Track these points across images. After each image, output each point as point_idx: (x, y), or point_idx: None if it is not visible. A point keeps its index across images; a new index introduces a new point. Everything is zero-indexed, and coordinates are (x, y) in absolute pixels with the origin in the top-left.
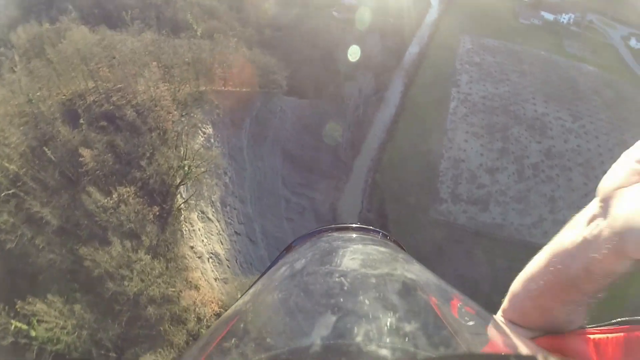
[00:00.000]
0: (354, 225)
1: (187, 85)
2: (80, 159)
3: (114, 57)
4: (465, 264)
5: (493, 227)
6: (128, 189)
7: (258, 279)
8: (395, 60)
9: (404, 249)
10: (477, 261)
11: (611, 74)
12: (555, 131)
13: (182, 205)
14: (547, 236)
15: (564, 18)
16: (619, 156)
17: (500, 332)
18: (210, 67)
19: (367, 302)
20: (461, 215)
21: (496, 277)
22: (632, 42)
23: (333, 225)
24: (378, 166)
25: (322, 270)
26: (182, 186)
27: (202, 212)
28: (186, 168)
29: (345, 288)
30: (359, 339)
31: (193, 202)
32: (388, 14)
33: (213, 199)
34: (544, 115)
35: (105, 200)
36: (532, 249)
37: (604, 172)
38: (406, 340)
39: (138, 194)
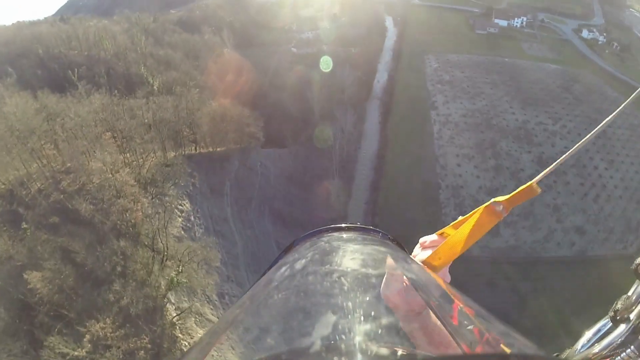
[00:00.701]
0: (354, 225)
1: (152, 156)
2: (29, 286)
3: (59, 131)
4: (489, 295)
5: (508, 251)
6: (102, 323)
7: (258, 279)
8: (367, 91)
9: (404, 249)
10: (501, 290)
11: (573, 68)
12: (540, 137)
13: (175, 318)
14: (561, 247)
15: (517, 22)
16: (600, 145)
17: (500, 331)
18: (177, 128)
19: (367, 302)
20: (473, 245)
21: (523, 301)
22: (584, 34)
23: (333, 225)
24: (374, 208)
25: (322, 270)
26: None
27: (199, 315)
28: (172, 276)
29: (346, 288)
30: (359, 338)
31: (185, 302)
32: (349, 44)
33: (208, 293)
34: (526, 122)
35: (75, 351)
36: (549, 264)
37: (595, 168)
38: (406, 340)
39: (117, 324)
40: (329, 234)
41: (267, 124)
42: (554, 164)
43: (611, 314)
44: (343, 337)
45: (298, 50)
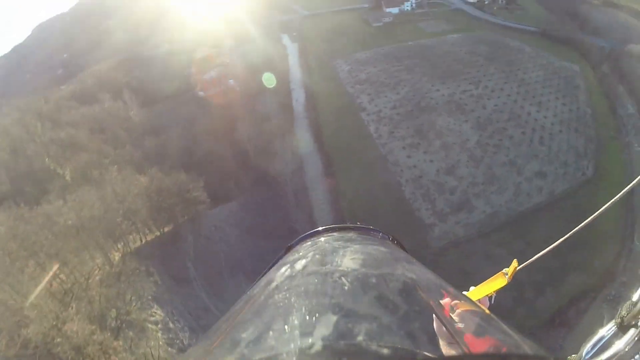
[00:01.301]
0: (354, 225)
1: (95, 272)
2: None
3: None
4: (492, 268)
5: (489, 220)
6: None
7: (259, 279)
8: (290, 114)
9: (404, 249)
10: (499, 258)
11: (472, 32)
12: (470, 104)
13: None
14: (531, 196)
15: (407, 6)
16: (524, 92)
17: (500, 332)
18: (111, 223)
19: (367, 302)
20: (457, 227)
21: (525, 259)
22: None
23: (333, 225)
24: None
25: (323, 270)
26: None
27: None
28: None
29: (346, 288)
30: (359, 338)
31: None
32: (256, 72)
33: None
34: (452, 95)
35: None
36: (529, 215)
37: (529, 114)
38: (406, 340)
39: None
40: (329, 234)
41: (206, 182)
42: (539, 255)
43: (617, 320)
44: (343, 337)
45: (206, 92)
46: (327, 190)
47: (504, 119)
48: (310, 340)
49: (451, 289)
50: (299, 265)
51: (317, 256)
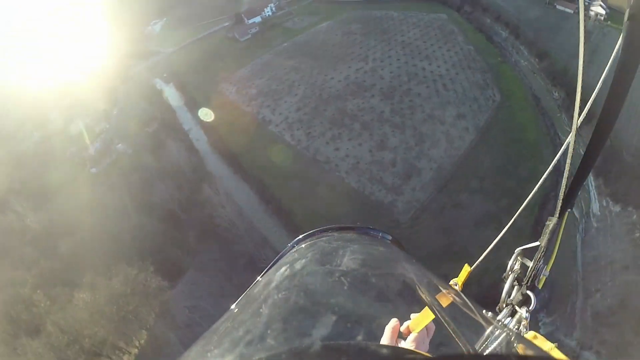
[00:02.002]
0: (354, 225)
1: None
2: None
3: None
4: (464, 213)
5: (438, 173)
6: None
7: (258, 279)
8: (197, 156)
9: (404, 249)
10: (466, 204)
11: (338, 16)
12: (367, 80)
13: None
14: (462, 138)
15: (267, 12)
16: (410, 52)
17: (499, 331)
18: None
19: (366, 301)
20: (415, 193)
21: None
22: None
23: (333, 226)
24: None
25: (322, 270)
26: None
27: None
28: None
29: (346, 288)
30: (359, 338)
31: None
32: (144, 126)
33: None
34: (347, 77)
35: None
36: (468, 154)
37: (424, 69)
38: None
39: None
40: (329, 234)
41: (152, 263)
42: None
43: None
44: (343, 337)
45: (98, 168)
46: (273, 216)
47: (404, 81)
48: (309, 340)
49: (451, 289)
50: (299, 265)
51: (316, 256)
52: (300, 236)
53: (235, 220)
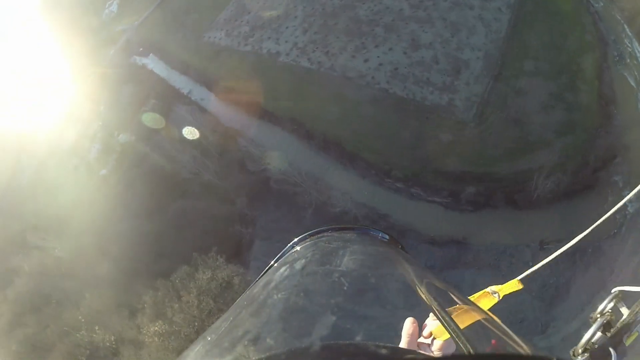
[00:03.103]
0: (354, 225)
1: None
2: None
3: None
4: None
5: (487, 60)
6: None
7: (258, 279)
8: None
9: (404, 249)
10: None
11: None
12: None
13: None
14: (498, 19)
15: None
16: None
17: (499, 331)
18: None
19: (366, 302)
20: (474, 85)
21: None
22: None
23: (333, 226)
24: None
25: (322, 270)
26: None
27: None
28: None
29: (345, 288)
30: (358, 338)
31: None
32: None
33: None
34: None
35: None
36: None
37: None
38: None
39: None
40: (329, 234)
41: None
42: (539, 264)
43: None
44: (342, 337)
45: (107, 168)
46: (321, 152)
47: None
48: (309, 340)
49: (450, 289)
50: (299, 265)
51: (316, 256)
52: (300, 236)
53: (282, 170)
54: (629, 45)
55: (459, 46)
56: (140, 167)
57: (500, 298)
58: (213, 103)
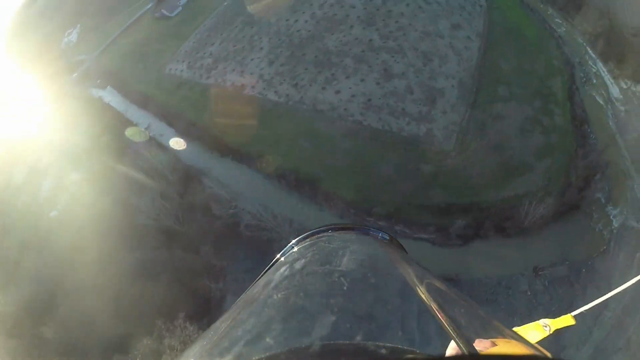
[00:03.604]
0: (354, 225)
1: None
2: None
3: None
4: None
5: (465, 98)
6: None
7: (258, 279)
8: (187, 168)
9: (404, 249)
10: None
11: None
12: (339, 12)
13: None
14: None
15: None
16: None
17: (499, 332)
18: None
19: (366, 302)
20: (447, 115)
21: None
22: None
23: (333, 226)
24: None
25: (322, 270)
26: None
27: None
28: None
29: (345, 288)
30: (358, 338)
31: None
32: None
33: None
34: (312, 15)
35: None
36: None
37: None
38: (405, 340)
39: None
40: (329, 234)
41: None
42: (592, 303)
43: None
44: (342, 337)
45: (57, 209)
46: (293, 192)
47: (379, 4)
48: (308, 340)
49: (450, 290)
50: (298, 265)
51: (316, 256)
52: (300, 236)
53: (249, 211)
54: (594, 66)
55: (432, 75)
56: (93, 210)
57: (551, 332)
58: (172, 138)
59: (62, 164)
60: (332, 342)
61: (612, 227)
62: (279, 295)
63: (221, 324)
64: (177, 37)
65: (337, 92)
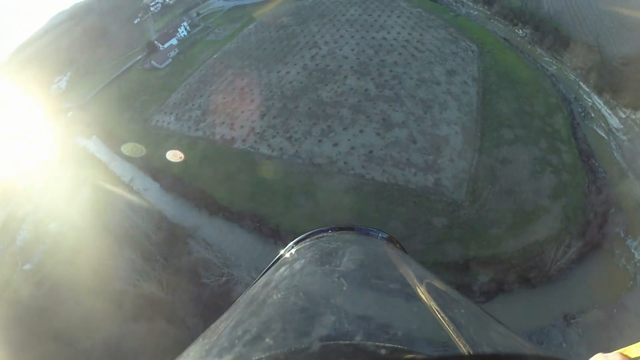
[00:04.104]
0: (354, 225)
1: None
2: None
3: None
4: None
5: (471, 144)
6: None
7: (258, 279)
8: (174, 227)
9: (404, 250)
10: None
11: (262, 18)
12: (332, 63)
13: None
14: None
15: (182, 32)
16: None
17: (498, 332)
18: None
19: (365, 302)
20: (451, 165)
21: None
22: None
23: (334, 226)
24: None
25: (322, 271)
26: None
27: None
28: None
29: (345, 288)
30: (357, 339)
31: None
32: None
33: None
34: (305, 67)
35: None
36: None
37: (385, 39)
38: (404, 340)
39: None
40: (329, 235)
41: None
42: None
43: None
44: (342, 337)
45: (32, 263)
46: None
47: (372, 54)
48: (308, 340)
49: (449, 290)
50: (298, 265)
51: (316, 256)
52: (300, 237)
53: (243, 278)
54: (589, 99)
55: (434, 122)
56: (69, 268)
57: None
58: (157, 195)
59: (41, 214)
60: (331, 342)
61: (635, 260)
62: (279, 296)
63: (220, 324)
64: (165, 89)
65: (335, 144)
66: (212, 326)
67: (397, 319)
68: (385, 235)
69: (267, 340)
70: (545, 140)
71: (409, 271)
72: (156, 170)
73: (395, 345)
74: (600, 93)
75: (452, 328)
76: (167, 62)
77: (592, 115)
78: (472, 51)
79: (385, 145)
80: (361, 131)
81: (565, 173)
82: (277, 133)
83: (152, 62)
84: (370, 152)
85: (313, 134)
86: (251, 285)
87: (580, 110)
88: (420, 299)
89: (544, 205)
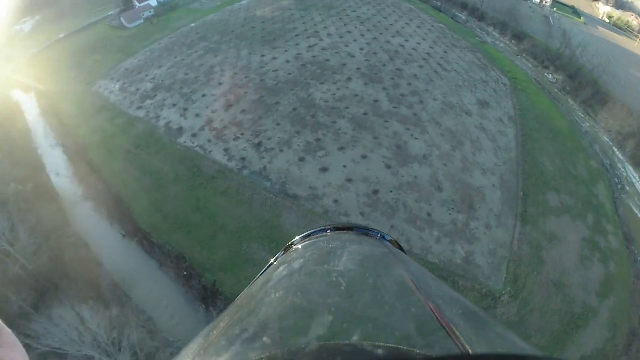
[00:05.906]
0: (352, 225)
1: None
2: None
3: None
4: None
5: (511, 206)
6: None
7: (256, 278)
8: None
9: (402, 250)
10: None
11: None
12: (334, 58)
13: None
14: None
15: None
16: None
17: (497, 332)
18: None
19: (364, 302)
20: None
21: None
22: None
23: (332, 226)
24: None
25: (320, 270)
26: None
27: None
28: None
29: (343, 288)
30: (355, 338)
31: None
32: None
33: None
34: (297, 56)
35: None
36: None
37: (402, 46)
38: (403, 340)
39: None
40: (328, 234)
41: None
42: None
43: None
44: (340, 337)
45: None
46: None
47: (386, 59)
48: (305, 339)
49: (449, 290)
50: (297, 264)
51: (315, 256)
52: (300, 235)
53: None
54: (624, 169)
55: (465, 165)
56: None
57: None
58: (68, 186)
59: None
60: (329, 341)
61: None
62: (277, 294)
63: (219, 322)
64: (123, 51)
65: (324, 169)
66: (210, 325)
67: (396, 319)
68: (384, 235)
69: (265, 339)
70: (593, 215)
71: (408, 271)
72: (76, 151)
73: (394, 345)
74: (637, 165)
75: (450, 328)
76: (137, 22)
77: (627, 189)
78: (504, 84)
79: (398, 185)
80: (364, 157)
81: (612, 262)
82: (242, 134)
83: (121, 19)
84: (376, 192)
85: (293, 147)
86: (250, 284)
87: (616, 180)
88: (418, 298)
89: (593, 306)
